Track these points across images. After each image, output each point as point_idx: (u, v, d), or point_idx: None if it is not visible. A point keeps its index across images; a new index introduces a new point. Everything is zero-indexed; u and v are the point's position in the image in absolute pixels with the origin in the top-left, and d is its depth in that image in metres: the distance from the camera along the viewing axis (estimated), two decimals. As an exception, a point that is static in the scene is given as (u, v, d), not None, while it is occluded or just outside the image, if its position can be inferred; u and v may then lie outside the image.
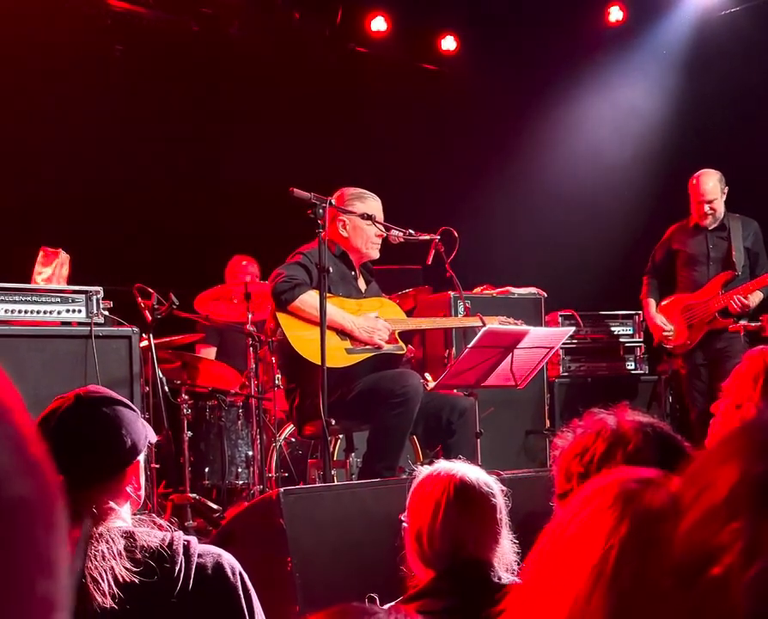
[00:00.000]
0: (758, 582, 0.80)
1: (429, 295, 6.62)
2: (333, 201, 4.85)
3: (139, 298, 5.41)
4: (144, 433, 2.13)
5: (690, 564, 0.86)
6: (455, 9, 8.84)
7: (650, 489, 1.15)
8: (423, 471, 2.54)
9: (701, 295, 6.70)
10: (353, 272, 5.14)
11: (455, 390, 5.29)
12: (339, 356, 4.83)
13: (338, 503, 4.07)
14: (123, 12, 7.77)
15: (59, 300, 4.74)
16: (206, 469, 6.31)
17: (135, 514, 2.12)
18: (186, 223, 7.92)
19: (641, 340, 7.56)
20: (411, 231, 5.05)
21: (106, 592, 1.90)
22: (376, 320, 4.99)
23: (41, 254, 5.06)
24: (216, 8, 8.09)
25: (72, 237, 5.69)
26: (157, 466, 5.53)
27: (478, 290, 6.63)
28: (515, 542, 2.45)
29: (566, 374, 7.32)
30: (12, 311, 4.62)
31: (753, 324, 6.63)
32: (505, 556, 2.43)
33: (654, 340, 6.97)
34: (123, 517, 2.07)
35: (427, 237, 5.07)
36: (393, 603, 2.10)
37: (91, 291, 4.80)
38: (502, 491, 2.51)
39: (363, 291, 5.19)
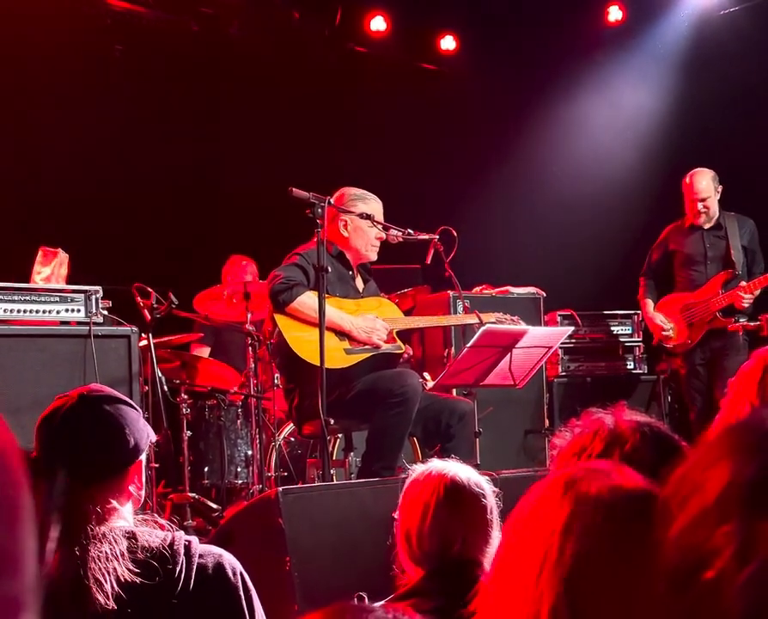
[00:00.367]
0: (751, 585, 0.79)
1: (429, 294, 6.63)
2: (332, 201, 4.85)
3: (138, 298, 5.41)
4: (147, 432, 2.14)
5: (682, 568, 0.86)
6: (455, 8, 8.84)
7: (591, 476, 1.24)
8: (416, 470, 2.55)
9: (701, 294, 6.70)
10: (350, 272, 5.14)
11: (454, 390, 5.29)
12: (338, 356, 4.84)
13: (337, 502, 4.07)
14: (123, 12, 7.77)
15: (58, 299, 4.74)
16: (205, 469, 6.31)
17: (136, 513, 2.12)
18: (186, 223, 7.92)
19: (640, 339, 7.56)
20: (409, 231, 5.05)
21: (109, 594, 1.90)
22: (374, 320, 4.99)
23: (40, 253, 5.06)
24: (216, 7, 8.09)
25: (71, 237, 5.69)
26: (156, 465, 5.54)
27: (477, 289, 6.64)
28: None
29: (565, 374, 7.33)
30: (11, 311, 4.62)
31: (752, 323, 6.63)
32: None
33: (653, 339, 6.98)
34: (125, 516, 2.07)
35: (426, 237, 5.08)
36: (382, 602, 2.10)
37: (90, 291, 4.80)
38: (494, 492, 2.52)
39: (361, 290, 5.19)
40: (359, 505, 4.04)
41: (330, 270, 4.70)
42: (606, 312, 7.59)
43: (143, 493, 2.13)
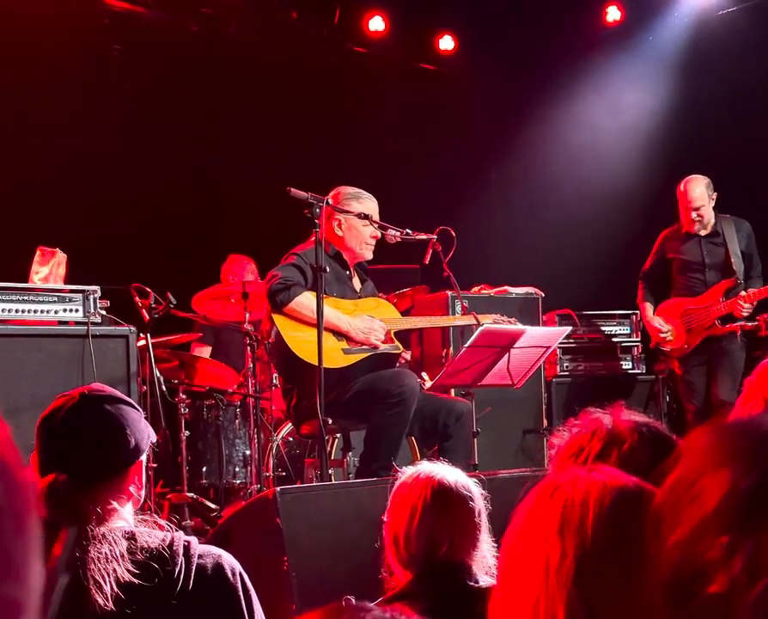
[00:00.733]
0: (762, 602, 0.77)
1: (427, 294, 6.62)
2: (330, 200, 4.85)
3: (136, 298, 5.41)
4: (147, 432, 2.13)
5: (680, 580, 0.85)
6: (453, 8, 8.84)
7: (574, 478, 1.26)
8: (405, 472, 2.55)
9: (702, 300, 6.69)
10: (348, 272, 5.14)
11: (452, 390, 5.29)
12: (336, 356, 4.84)
13: (335, 502, 4.07)
14: (121, 12, 7.77)
15: (56, 299, 4.73)
16: (204, 469, 6.31)
17: (137, 513, 2.12)
18: (184, 223, 7.92)
19: (638, 339, 7.56)
20: (408, 231, 5.05)
21: (109, 595, 1.90)
22: (372, 320, 4.99)
23: (38, 253, 5.05)
24: (215, 7, 8.09)
25: (69, 237, 5.69)
26: (155, 465, 5.54)
27: (475, 289, 6.63)
28: (495, 545, 2.45)
29: (563, 373, 7.33)
30: (9, 310, 4.62)
31: (750, 324, 6.63)
32: (485, 559, 2.43)
33: (651, 341, 6.98)
34: (125, 517, 2.06)
35: (424, 237, 5.07)
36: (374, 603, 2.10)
37: (88, 291, 4.80)
38: (483, 494, 2.51)
39: (358, 290, 5.19)
40: (357, 504, 4.04)
41: (327, 270, 4.70)
42: (604, 312, 7.59)
43: (143, 493, 2.13)
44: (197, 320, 6.56)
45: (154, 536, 2.02)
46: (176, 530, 2.05)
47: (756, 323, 6.66)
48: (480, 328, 4.80)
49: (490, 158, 9.03)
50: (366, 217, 4.95)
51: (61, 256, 5.05)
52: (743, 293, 6.50)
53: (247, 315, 6.01)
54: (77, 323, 4.76)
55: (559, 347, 7.14)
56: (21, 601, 0.68)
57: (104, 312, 4.84)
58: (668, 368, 7.08)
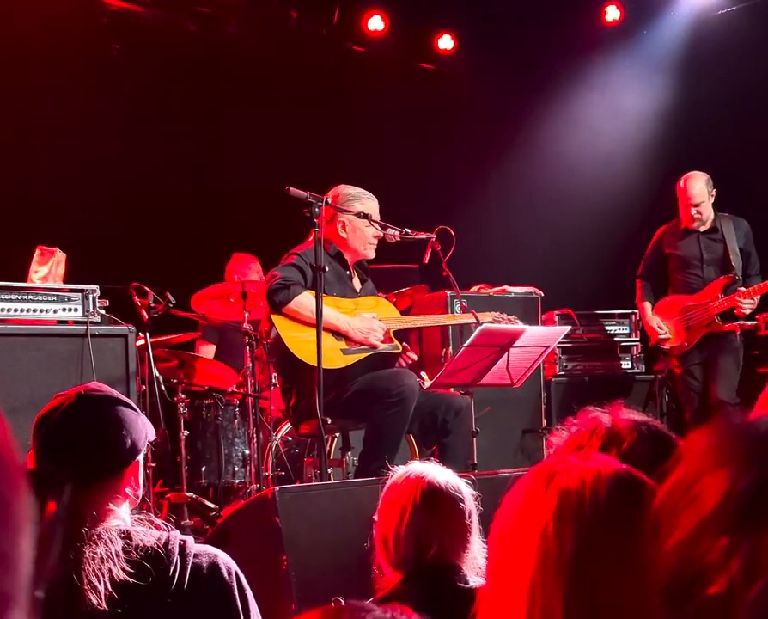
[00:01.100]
0: (760, 603, 0.77)
1: (426, 294, 6.63)
2: (329, 200, 4.85)
3: (136, 297, 5.41)
4: (145, 432, 2.12)
5: (679, 581, 0.84)
6: (452, 8, 8.84)
7: (569, 467, 1.26)
8: (396, 473, 2.54)
9: (700, 297, 6.69)
10: (348, 272, 5.14)
11: (451, 390, 5.29)
12: (335, 357, 4.83)
13: (334, 502, 4.07)
14: (120, 11, 7.77)
15: (55, 299, 4.73)
16: (203, 468, 6.31)
17: (133, 512, 2.11)
18: (183, 222, 7.92)
19: (637, 339, 7.56)
20: (407, 230, 5.05)
21: (102, 595, 1.90)
22: (371, 320, 4.99)
23: (37, 252, 5.05)
24: (214, 7, 8.09)
25: (68, 236, 5.68)
26: (154, 465, 5.54)
27: (474, 289, 6.63)
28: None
29: (563, 373, 7.33)
30: (8, 310, 4.62)
31: (749, 323, 6.64)
32: (475, 560, 2.43)
33: (650, 341, 6.98)
34: (121, 516, 2.06)
35: (424, 236, 5.07)
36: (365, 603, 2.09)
37: (87, 290, 4.79)
38: (474, 495, 2.51)
39: (358, 290, 5.19)
40: (356, 504, 4.03)
41: (327, 269, 4.70)
42: (603, 312, 7.59)
43: (140, 492, 2.12)
44: (199, 320, 6.56)
45: (150, 535, 2.01)
46: (172, 530, 2.05)
47: (755, 322, 6.66)
48: (480, 328, 4.80)
49: (489, 158, 9.03)
50: (365, 216, 4.95)
51: (60, 255, 5.05)
52: (742, 289, 6.50)
53: (246, 315, 6.01)
54: (76, 323, 4.76)
55: (558, 347, 7.14)
56: (10, 594, 0.67)
57: (103, 311, 4.84)
58: (667, 367, 7.08)
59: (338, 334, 4.89)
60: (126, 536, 1.99)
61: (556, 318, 7.23)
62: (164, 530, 2.05)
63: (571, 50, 8.74)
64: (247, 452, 6.26)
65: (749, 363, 6.96)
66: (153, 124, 7.81)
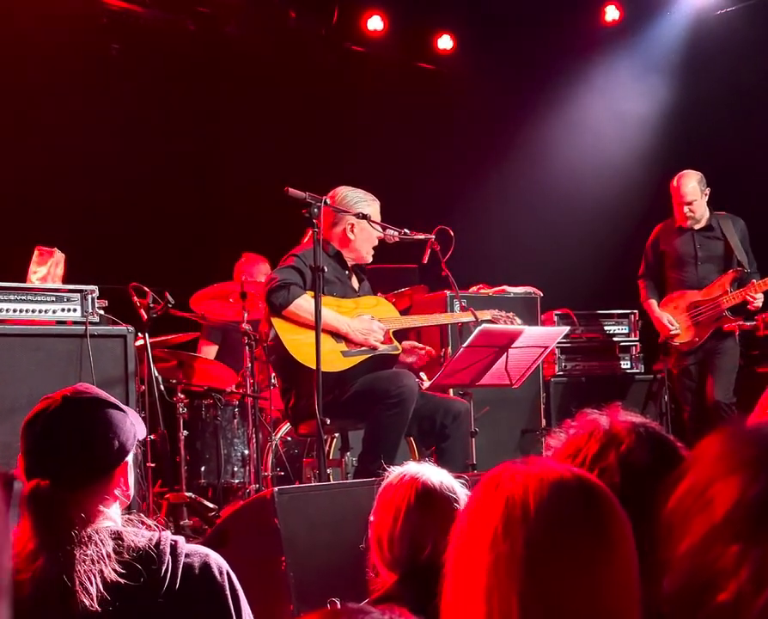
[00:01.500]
0: None
1: (425, 294, 6.63)
2: (328, 201, 4.85)
3: (135, 297, 5.41)
4: (133, 432, 2.11)
5: (691, 588, 0.84)
6: (452, 8, 8.84)
7: (512, 475, 1.30)
8: (392, 473, 2.54)
9: (708, 292, 6.68)
10: (346, 272, 5.14)
11: (451, 390, 5.29)
12: (335, 359, 4.83)
13: (333, 502, 4.06)
14: (119, 11, 7.76)
15: (54, 299, 4.73)
16: (202, 468, 6.31)
17: (124, 513, 2.11)
18: (182, 222, 7.92)
19: (636, 339, 7.56)
20: (406, 230, 5.05)
21: (94, 596, 1.89)
22: (371, 321, 4.99)
23: (36, 253, 5.05)
24: (213, 7, 8.08)
25: (67, 236, 5.68)
26: (153, 465, 5.54)
27: (473, 289, 6.63)
28: None
29: (562, 373, 7.32)
30: (7, 310, 4.61)
31: (749, 323, 6.63)
32: None
33: (660, 337, 6.94)
34: (111, 517, 2.06)
35: (423, 237, 5.07)
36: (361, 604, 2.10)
37: (86, 290, 4.79)
38: (468, 495, 2.50)
39: (357, 289, 5.19)
40: (355, 505, 4.03)
41: (327, 270, 4.70)
42: (602, 312, 7.59)
43: (130, 493, 2.11)
44: (199, 320, 6.56)
45: (141, 535, 2.01)
46: (163, 530, 2.05)
47: (754, 323, 6.66)
48: (478, 328, 4.80)
49: (488, 158, 9.03)
50: (364, 217, 4.95)
51: (59, 256, 5.05)
52: (755, 281, 6.49)
53: (245, 315, 6.01)
54: (75, 323, 4.75)
55: (557, 347, 7.14)
56: None
57: (102, 312, 4.84)
58: (666, 367, 7.07)
59: (337, 335, 4.89)
60: (117, 537, 1.99)
61: (555, 318, 7.23)
62: (155, 530, 2.04)
63: (571, 50, 8.74)
64: (246, 452, 6.26)
65: (748, 363, 6.96)
66: (152, 124, 7.81)
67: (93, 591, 1.89)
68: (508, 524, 1.24)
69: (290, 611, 3.59)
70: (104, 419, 2.07)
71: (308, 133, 8.30)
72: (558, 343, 6.88)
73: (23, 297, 4.66)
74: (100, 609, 1.89)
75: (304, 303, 4.75)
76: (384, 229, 5.05)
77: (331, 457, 5.31)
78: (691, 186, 6.68)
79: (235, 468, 6.37)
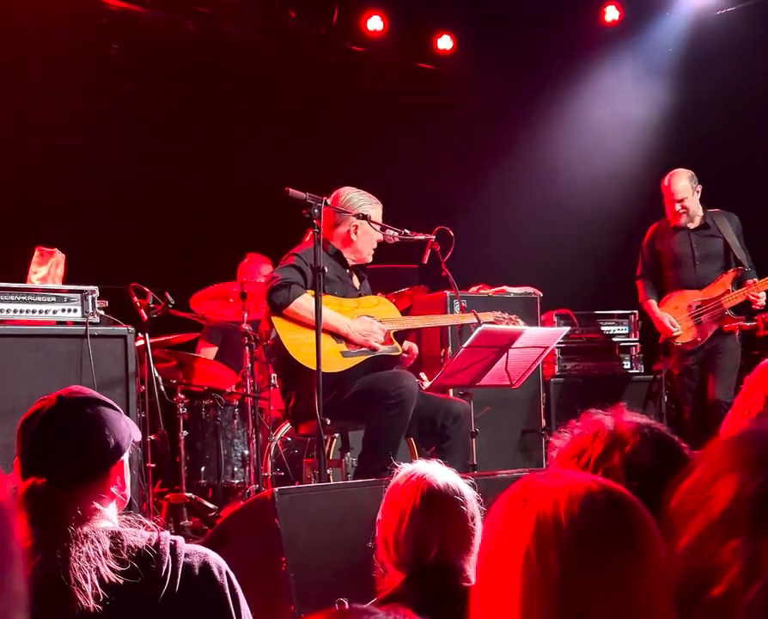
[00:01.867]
0: (758, 603, 0.77)
1: (426, 294, 6.62)
2: (329, 201, 4.85)
3: (135, 298, 5.40)
4: (128, 432, 2.12)
5: (689, 584, 0.84)
6: (452, 8, 8.84)
7: (542, 491, 1.26)
8: (400, 472, 2.53)
9: (710, 292, 6.67)
10: (347, 271, 5.14)
11: (451, 390, 5.29)
12: (335, 360, 4.83)
13: (333, 503, 4.06)
14: (119, 11, 7.76)
15: (55, 299, 4.72)
16: (202, 469, 6.30)
17: (121, 514, 2.11)
18: (182, 222, 7.91)
19: (636, 339, 7.55)
20: (406, 231, 5.04)
21: (89, 594, 1.89)
22: (371, 322, 4.98)
23: (36, 253, 5.05)
24: (213, 7, 8.08)
25: (67, 236, 5.68)
26: (153, 465, 5.53)
27: (473, 289, 6.63)
28: None
29: (562, 373, 7.32)
30: (7, 311, 4.61)
31: (749, 324, 6.63)
32: None
33: (661, 337, 6.92)
34: (108, 517, 2.06)
35: (423, 237, 5.07)
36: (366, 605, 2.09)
37: (86, 291, 4.79)
38: (477, 497, 2.49)
39: (358, 288, 5.19)
40: (355, 505, 4.03)
41: (327, 269, 4.69)
42: (602, 312, 7.58)
43: (127, 493, 2.12)
44: (199, 321, 6.55)
45: (140, 535, 2.02)
46: (162, 530, 2.05)
47: (754, 323, 6.65)
48: (479, 329, 4.80)
49: (488, 158, 9.03)
50: (364, 217, 4.95)
51: (59, 256, 5.04)
52: (755, 280, 6.48)
53: (245, 315, 6.00)
54: (76, 323, 4.75)
55: (557, 347, 7.14)
56: (8, 611, 0.68)
57: (102, 312, 4.83)
58: (666, 368, 7.07)
59: (338, 336, 4.89)
60: (116, 536, 1.99)
61: (555, 319, 7.23)
62: (154, 530, 2.05)
63: (570, 50, 8.74)
64: (246, 453, 6.26)
65: (749, 363, 6.95)
66: (152, 124, 7.81)
67: (88, 588, 1.89)
68: (540, 544, 1.21)
69: (291, 612, 3.59)
70: (99, 417, 2.08)
71: (308, 133, 8.29)
72: (558, 343, 6.88)
73: (23, 298, 4.66)
74: (99, 609, 1.89)
75: (305, 303, 4.74)
76: (384, 229, 5.05)
77: (331, 458, 5.31)
78: (682, 183, 6.67)
79: (235, 469, 6.37)
